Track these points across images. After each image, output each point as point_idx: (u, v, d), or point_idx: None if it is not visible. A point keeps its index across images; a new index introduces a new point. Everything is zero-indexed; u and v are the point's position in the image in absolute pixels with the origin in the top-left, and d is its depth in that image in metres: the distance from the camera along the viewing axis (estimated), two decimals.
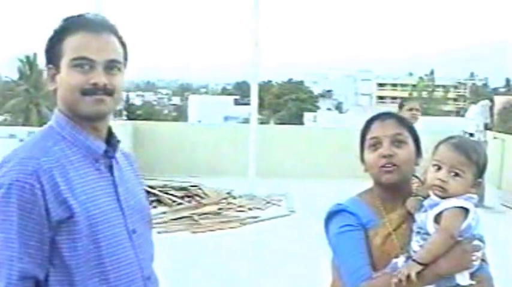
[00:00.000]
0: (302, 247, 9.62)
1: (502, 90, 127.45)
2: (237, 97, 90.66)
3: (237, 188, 13.25)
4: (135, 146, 15.67)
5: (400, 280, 2.52)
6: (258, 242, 9.98)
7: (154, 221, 10.36)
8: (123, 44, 2.60)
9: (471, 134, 13.53)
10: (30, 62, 59.25)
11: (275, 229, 10.78)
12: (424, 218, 2.64)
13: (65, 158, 2.43)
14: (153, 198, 12.31)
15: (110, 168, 2.56)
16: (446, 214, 2.58)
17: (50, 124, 2.56)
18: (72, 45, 2.46)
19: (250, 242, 10.03)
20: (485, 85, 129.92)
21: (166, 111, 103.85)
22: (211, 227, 10.68)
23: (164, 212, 11.57)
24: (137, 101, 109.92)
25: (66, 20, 2.54)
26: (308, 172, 15.15)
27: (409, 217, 2.76)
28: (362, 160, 2.93)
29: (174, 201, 12.23)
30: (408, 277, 2.51)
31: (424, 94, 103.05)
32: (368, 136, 2.87)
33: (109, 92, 2.46)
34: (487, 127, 14.45)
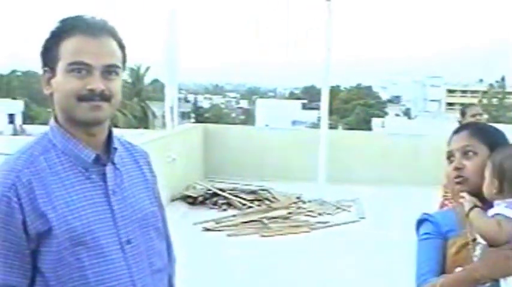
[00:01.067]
0: (371, 253, 9.59)
1: None
2: (305, 101, 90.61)
3: (307, 193, 13.22)
4: (205, 148, 15.78)
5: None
6: (327, 248, 9.97)
7: (224, 223, 10.52)
8: (121, 47, 2.53)
9: None
10: None
11: (345, 234, 10.74)
12: None
13: (49, 169, 2.39)
14: (222, 201, 12.40)
15: (104, 176, 2.48)
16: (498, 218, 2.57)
17: (46, 131, 2.52)
18: (68, 49, 2.40)
19: (319, 247, 10.02)
20: None
21: (233, 115, 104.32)
22: (281, 231, 10.69)
23: (234, 215, 11.63)
24: (205, 104, 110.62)
25: (63, 21, 2.47)
26: (377, 177, 15.04)
27: None
28: None
29: (244, 204, 12.28)
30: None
31: (495, 101, 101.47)
32: (446, 149, 2.92)
33: (106, 97, 2.40)
34: None
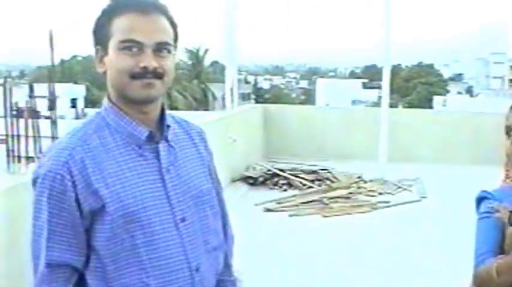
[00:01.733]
0: (434, 233, 9.52)
1: None
2: (366, 81, 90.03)
3: (367, 173, 13.14)
4: (265, 128, 15.79)
5: None
6: (389, 227, 9.92)
7: (285, 204, 10.54)
8: (173, 25, 2.51)
9: None
10: None
11: (406, 214, 10.67)
12: None
13: (102, 146, 2.40)
14: (283, 181, 12.40)
15: (157, 153, 2.48)
16: None
17: (99, 110, 2.52)
18: (120, 27, 2.39)
19: (381, 226, 9.98)
20: None
21: (294, 95, 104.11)
22: (342, 211, 10.67)
23: (294, 195, 11.63)
24: (265, 85, 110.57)
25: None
26: (439, 157, 14.89)
27: None
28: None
29: (304, 184, 12.26)
30: None
31: None
32: (505, 123, 2.79)
33: (159, 75, 2.40)
34: None
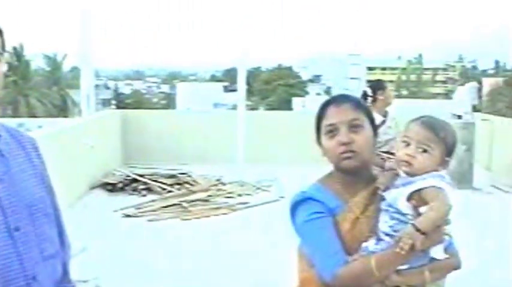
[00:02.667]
0: (292, 232, 9.66)
1: (491, 72, 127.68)
2: (227, 84, 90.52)
3: (227, 175, 13.27)
4: (124, 134, 15.68)
5: (404, 249, 2.49)
6: (247, 228, 10.02)
7: (144, 209, 10.47)
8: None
9: (459, 116, 13.63)
10: (17, 54, 59.10)
11: (265, 214, 10.80)
12: (397, 195, 2.64)
13: None
14: (142, 186, 12.36)
15: None
16: (431, 191, 2.58)
17: None
18: None
19: (239, 227, 10.07)
20: (474, 67, 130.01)
21: (155, 100, 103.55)
22: (201, 214, 10.71)
23: (154, 200, 11.60)
24: (126, 90, 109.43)
25: None
26: (297, 157, 15.13)
27: (374, 199, 2.77)
28: (319, 143, 2.92)
29: (163, 189, 12.24)
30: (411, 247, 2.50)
31: (413, 77, 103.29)
32: (324, 122, 2.85)
33: None
34: (475, 109, 14.54)
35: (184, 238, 9.52)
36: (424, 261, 2.63)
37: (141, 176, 12.72)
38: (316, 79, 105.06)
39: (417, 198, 2.60)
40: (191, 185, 12.59)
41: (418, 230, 2.50)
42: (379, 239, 2.65)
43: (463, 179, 13.36)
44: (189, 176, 13.13)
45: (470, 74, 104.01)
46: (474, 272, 8.08)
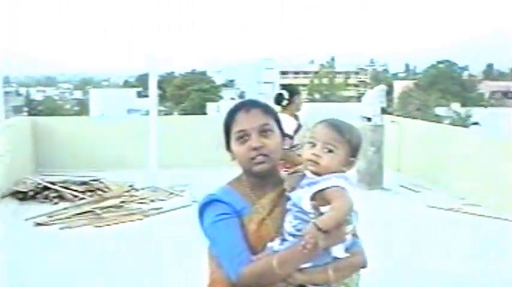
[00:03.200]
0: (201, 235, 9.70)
1: (402, 75, 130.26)
2: (140, 89, 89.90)
3: (140, 181, 13.23)
4: (35, 142, 15.48)
5: (306, 248, 2.53)
6: (160, 233, 10.01)
7: (56, 217, 10.37)
8: None
9: (369, 119, 13.90)
10: None
11: (178, 219, 10.81)
12: (301, 195, 2.70)
13: None
14: (54, 194, 12.21)
15: None
16: (334, 191, 2.64)
17: None
18: None
19: (152, 233, 10.06)
20: (385, 70, 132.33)
21: (68, 106, 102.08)
22: (114, 221, 10.66)
23: (66, 208, 11.48)
24: (38, 97, 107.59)
25: None
26: (210, 161, 15.15)
27: (281, 201, 2.84)
28: (228, 148, 2.98)
29: (75, 196, 12.13)
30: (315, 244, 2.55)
31: (326, 81, 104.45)
32: (235, 129, 2.90)
33: None
34: (383, 111, 14.84)
35: (97, 245, 9.47)
36: (327, 259, 2.69)
37: (52, 183, 12.58)
38: (230, 84, 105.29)
39: (320, 197, 2.66)
40: (104, 191, 12.51)
41: (319, 229, 2.54)
42: (283, 240, 2.71)
43: (373, 180, 13.67)
44: (102, 182, 13.06)
45: (381, 77, 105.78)
46: (386, 270, 8.30)
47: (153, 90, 13.47)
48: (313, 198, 2.68)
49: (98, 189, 12.61)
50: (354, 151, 2.80)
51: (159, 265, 8.41)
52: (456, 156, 13.62)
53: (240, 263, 2.68)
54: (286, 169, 7.61)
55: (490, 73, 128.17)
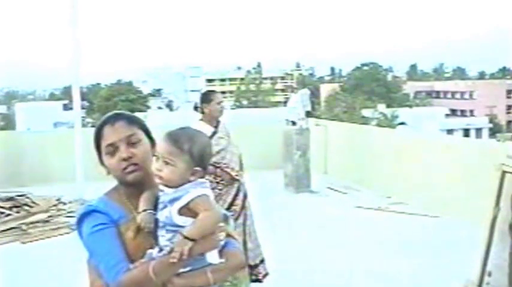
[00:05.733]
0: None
1: (328, 78, 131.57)
2: (66, 102, 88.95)
3: (67, 194, 13.09)
4: None
5: (174, 257, 2.62)
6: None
7: None
8: None
9: (293, 122, 14.03)
10: None
11: None
12: (168, 214, 2.75)
13: None
14: None
15: None
16: (198, 202, 2.73)
17: None
18: None
19: (80, 246, 9.95)
20: (311, 75, 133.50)
21: None
22: (41, 236, 10.54)
23: None
24: None
25: None
26: None
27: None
28: (101, 163, 3.02)
29: (1, 213, 11.92)
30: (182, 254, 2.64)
31: (253, 87, 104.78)
32: (103, 143, 2.96)
33: None
34: (309, 115, 14.97)
35: (24, 261, 9.34)
36: (204, 263, 2.77)
37: None
38: (157, 93, 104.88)
39: (188, 211, 2.74)
40: (30, 206, 12.31)
41: (186, 237, 2.65)
42: (161, 249, 2.76)
43: (301, 184, 13.81)
44: (28, 197, 12.84)
45: (307, 81, 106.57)
46: (317, 270, 8.38)
47: (77, 103, 13.38)
48: (180, 213, 2.74)
49: (25, 204, 12.41)
50: (198, 159, 2.83)
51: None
52: (382, 156, 13.84)
53: (118, 272, 2.73)
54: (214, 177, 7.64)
55: (413, 74, 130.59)
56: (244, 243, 7.75)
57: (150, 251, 2.77)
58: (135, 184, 2.92)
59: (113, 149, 2.93)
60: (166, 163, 2.77)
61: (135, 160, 2.90)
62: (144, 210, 2.85)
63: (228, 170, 7.58)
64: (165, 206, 2.77)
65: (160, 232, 2.78)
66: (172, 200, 2.75)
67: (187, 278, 2.75)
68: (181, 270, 2.73)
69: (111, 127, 2.96)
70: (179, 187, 2.78)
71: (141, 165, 2.91)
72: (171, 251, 2.66)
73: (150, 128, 3.10)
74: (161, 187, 2.82)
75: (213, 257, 2.80)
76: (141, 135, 2.99)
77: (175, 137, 2.81)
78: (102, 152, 2.97)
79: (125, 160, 2.90)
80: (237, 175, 7.62)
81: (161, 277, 2.70)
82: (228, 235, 2.91)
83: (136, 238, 2.84)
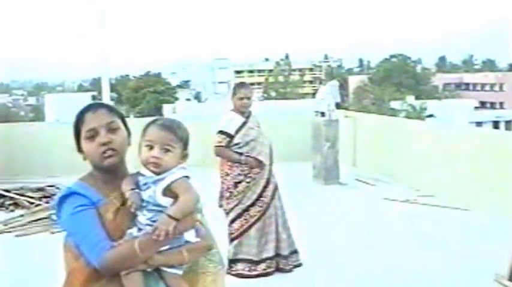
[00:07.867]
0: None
1: (356, 70, 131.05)
2: (95, 94, 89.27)
3: None
4: None
5: (159, 235, 2.83)
6: None
7: (11, 224, 10.24)
8: None
9: (323, 114, 13.98)
10: None
11: None
12: (152, 193, 2.95)
13: None
14: (9, 201, 12.09)
15: None
16: (180, 183, 2.96)
17: None
18: None
19: None
20: (339, 66, 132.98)
21: (22, 113, 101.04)
22: None
23: (22, 215, 11.37)
24: None
25: None
26: None
27: None
28: (79, 150, 3.15)
29: (31, 203, 12.02)
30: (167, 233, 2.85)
31: (281, 78, 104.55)
32: (84, 128, 3.09)
33: None
34: (338, 106, 14.94)
35: (55, 251, 9.38)
36: (181, 242, 2.99)
37: (7, 191, 12.46)
38: (185, 85, 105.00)
39: (169, 192, 2.95)
40: None
41: (171, 217, 2.87)
42: (140, 229, 2.94)
43: (329, 175, 13.77)
44: (58, 188, 12.92)
45: (335, 73, 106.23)
46: (346, 262, 8.37)
47: (106, 94, 13.44)
48: (164, 193, 2.94)
49: (54, 195, 12.48)
50: (185, 144, 3.09)
51: None
52: (411, 148, 13.76)
53: (102, 248, 2.86)
54: (229, 166, 7.65)
55: (442, 66, 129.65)
56: (277, 233, 7.78)
57: (130, 231, 2.95)
58: (110, 169, 3.08)
59: (93, 133, 3.05)
60: (167, 150, 3.00)
61: (114, 145, 3.05)
62: (132, 189, 3.00)
63: (260, 157, 7.58)
64: (149, 187, 2.96)
65: (141, 211, 2.95)
66: (157, 181, 2.96)
67: (166, 256, 2.95)
68: (162, 248, 2.92)
69: (93, 114, 3.10)
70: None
71: (118, 151, 3.07)
72: (155, 229, 2.84)
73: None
74: (143, 171, 3.01)
75: (190, 236, 3.04)
76: (120, 124, 3.15)
77: (172, 126, 3.06)
78: (82, 137, 3.10)
79: (104, 144, 3.03)
80: (265, 165, 7.62)
81: (146, 253, 2.88)
82: (196, 220, 3.09)
83: (116, 219, 2.99)
